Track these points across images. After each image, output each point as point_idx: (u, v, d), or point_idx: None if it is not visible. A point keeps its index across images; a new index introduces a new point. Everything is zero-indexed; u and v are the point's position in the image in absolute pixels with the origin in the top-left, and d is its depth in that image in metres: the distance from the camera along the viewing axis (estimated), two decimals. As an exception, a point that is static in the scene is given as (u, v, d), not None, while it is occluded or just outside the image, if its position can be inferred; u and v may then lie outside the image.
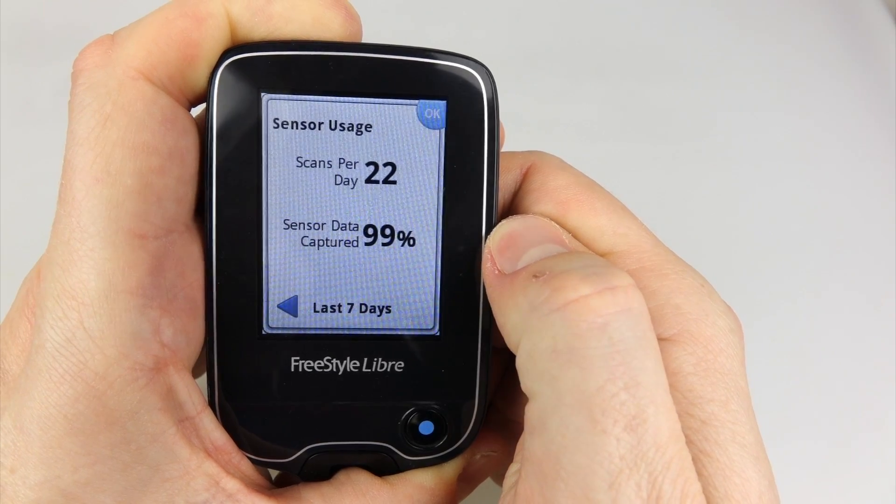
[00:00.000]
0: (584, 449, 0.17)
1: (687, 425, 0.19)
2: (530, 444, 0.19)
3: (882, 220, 0.44)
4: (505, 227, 0.21)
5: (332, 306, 0.22)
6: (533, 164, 0.23)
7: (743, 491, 0.19)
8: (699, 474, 0.18)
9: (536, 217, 0.22)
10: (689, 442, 0.19)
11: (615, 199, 0.23)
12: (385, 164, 0.21)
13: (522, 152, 0.24)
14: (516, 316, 0.19)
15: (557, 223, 0.22)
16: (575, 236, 0.22)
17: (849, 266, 0.42)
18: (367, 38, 0.21)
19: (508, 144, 0.23)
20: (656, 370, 0.18)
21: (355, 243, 0.21)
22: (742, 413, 0.20)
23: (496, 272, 0.20)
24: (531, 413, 0.19)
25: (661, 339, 0.20)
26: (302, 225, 0.21)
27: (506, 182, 0.23)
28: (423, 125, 0.21)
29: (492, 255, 0.21)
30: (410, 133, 0.21)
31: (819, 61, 0.49)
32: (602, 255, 0.22)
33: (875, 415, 0.38)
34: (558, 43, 0.47)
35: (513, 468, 0.20)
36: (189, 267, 0.21)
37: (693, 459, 0.18)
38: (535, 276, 0.19)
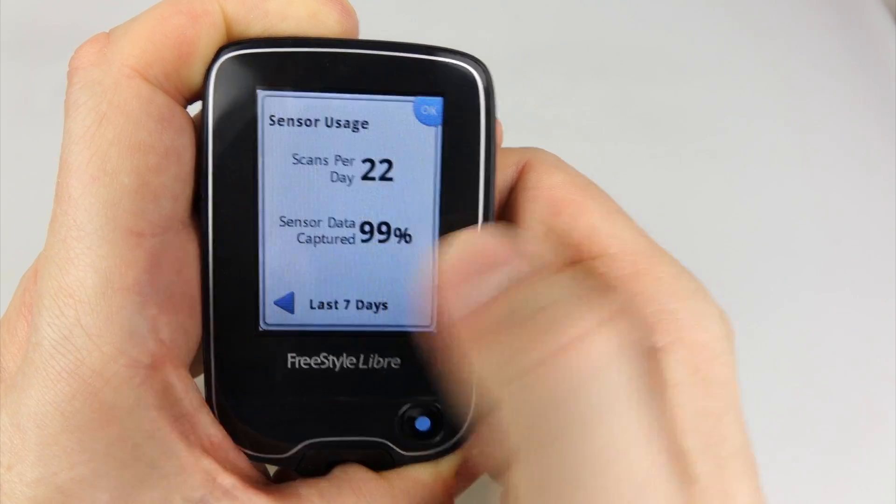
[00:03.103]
0: None
1: (680, 436, 0.19)
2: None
3: (882, 220, 0.44)
4: (454, 254, 0.19)
5: (328, 303, 0.22)
6: (528, 161, 0.23)
7: None
8: (688, 485, 0.18)
9: (484, 234, 0.19)
10: (681, 452, 0.19)
11: (610, 199, 0.23)
12: (381, 161, 0.21)
13: (518, 149, 0.23)
14: (490, 367, 0.18)
15: (550, 223, 0.22)
16: (567, 237, 0.22)
17: (848, 266, 0.42)
18: (364, 37, 0.21)
19: (508, 144, 0.23)
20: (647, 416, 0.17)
21: (352, 240, 0.21)
22: (734, 425, 0.20)
23: (459, 313, 0.18)
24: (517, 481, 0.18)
25: (655, 349, 0.20)
26: (298, 222, 0.21)
27: (501, 179, 0.23)
28: (420, 122, 0.21)
29: (450, 293, 0.18)
30: (407, 130, 0.21)
31: (819, 61, 0.49)
32: (595, 256, 0.21)
33: (875, 415, 0.38)
34: (558, 43, 0.47)
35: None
36: (186, 264, 0.21)
37: (682, 470, 0.18)
38: (505, 321, 0.17)
